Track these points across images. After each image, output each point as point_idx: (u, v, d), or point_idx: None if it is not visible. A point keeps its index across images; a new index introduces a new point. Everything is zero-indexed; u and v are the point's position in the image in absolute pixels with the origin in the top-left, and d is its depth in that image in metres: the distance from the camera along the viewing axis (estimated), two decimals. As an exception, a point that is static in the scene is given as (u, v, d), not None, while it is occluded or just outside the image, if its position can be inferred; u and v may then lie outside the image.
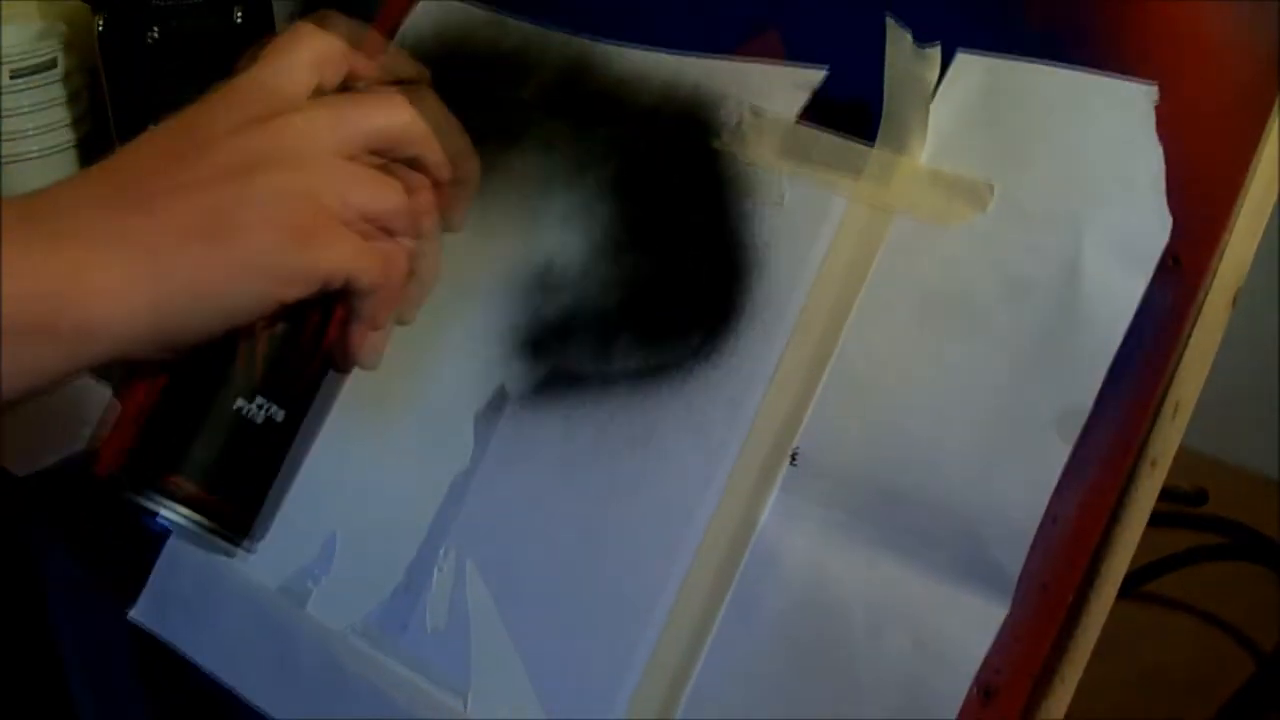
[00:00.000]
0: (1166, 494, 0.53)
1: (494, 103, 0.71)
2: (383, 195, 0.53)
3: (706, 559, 0.58)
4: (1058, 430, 0.52)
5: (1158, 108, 0.53)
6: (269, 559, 0.70)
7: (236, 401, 0.59)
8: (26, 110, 1.06)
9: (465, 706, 0.62)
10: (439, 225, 0.57)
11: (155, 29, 0.97)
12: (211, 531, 0.60)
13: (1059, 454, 0.52)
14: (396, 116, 0.54)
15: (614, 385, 0.62)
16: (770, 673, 0.56)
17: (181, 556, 0.73)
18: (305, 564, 0.68)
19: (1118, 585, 0.52)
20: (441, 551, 0.64)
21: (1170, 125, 0.53)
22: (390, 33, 0.77)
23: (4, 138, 1.06)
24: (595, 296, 0.64)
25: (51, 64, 1.07)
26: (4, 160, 1.07)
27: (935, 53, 0.57)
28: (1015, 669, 0.52)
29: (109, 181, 0.50)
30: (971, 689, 0.52)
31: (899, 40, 0.57)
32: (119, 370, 0.55)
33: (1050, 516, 0.52)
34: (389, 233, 0.54)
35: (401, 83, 0.58)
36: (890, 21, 0.57)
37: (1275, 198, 0.53)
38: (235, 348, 0.58)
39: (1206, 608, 0.74)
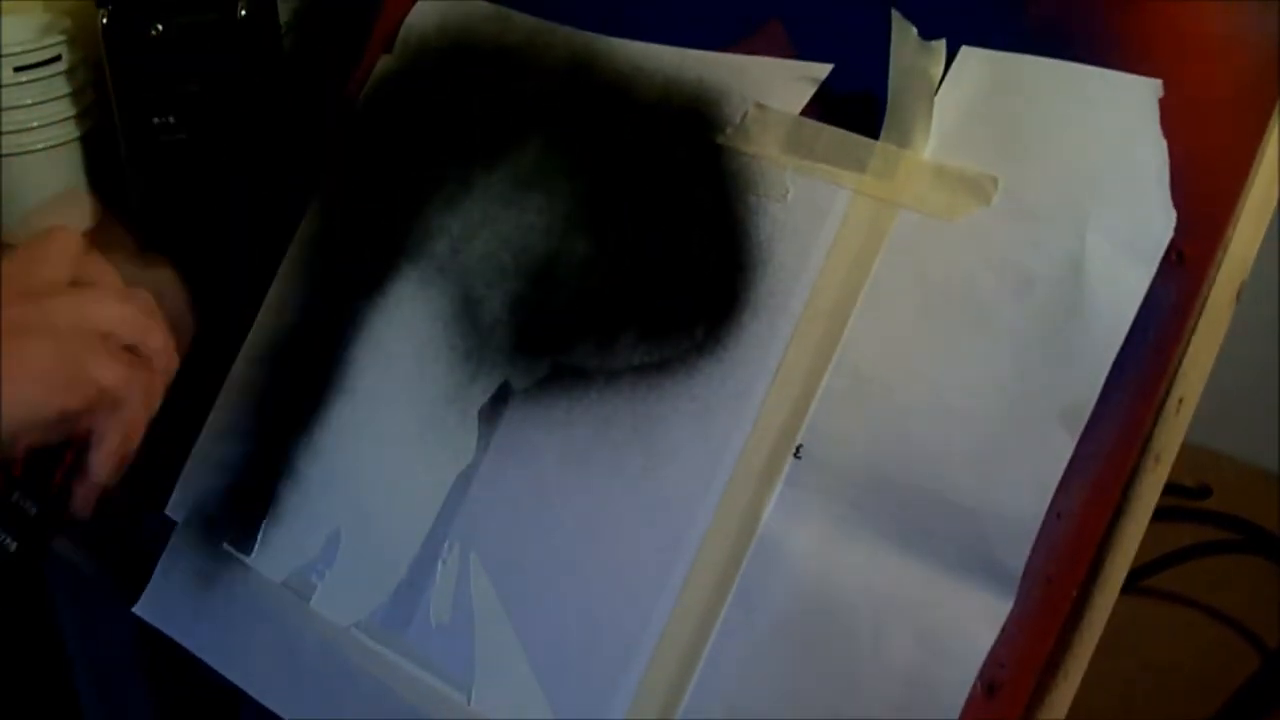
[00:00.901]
0: (1170, 489, 0.53)
1: (497, 98, 0.71)
2: (113, 369, 0.63)
3: (710, 553, 0.58)
4: (1062, 425, 0.52)
5: (1161, 103, 0.53)
6: (273, 555, 0.70)
7: None
8: (30, 104, 1.06)
9: (470, 701, 0.62)
10: (146, 401, 0.66)
11: (159, 24, 0.97)
12: None
13: (1063, 449, 0.52)
14: (122, 314, 0.65)
15: (617, 380, 0.62)
16: (774, 666, 0.56)
17: (185, 551, 0.73)
18: (309, 560, 0.68)
19: (1121, 580, 0.53)
20: (445, 546, 0.64)
21: (1174, 120, 0.53)
22: (394, 28, 0.77)
23: (7, 132, 1.06)
24: (598, 291, 0.64)
25: (55, 58, 1.07)
26: (7, 155, 1.07)
27: (940, 47, 0.57)
28: (1019, 664, 0.52)
29: None
30: (975, 684, 0.52)
31: (904, 34, 0.57)
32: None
33: (1054, 511, 0.52)
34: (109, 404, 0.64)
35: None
36: (895, 16, 0.57)
37: (1278, 193, 0.53)
38: None
39: (1210, 603, 0.74)
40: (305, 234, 0.76)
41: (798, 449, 0.57)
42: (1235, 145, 0.52)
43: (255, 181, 1.00)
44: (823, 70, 0.61)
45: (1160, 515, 0.53)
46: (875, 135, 0.59)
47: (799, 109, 0.61)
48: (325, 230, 0.70)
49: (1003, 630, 0.52)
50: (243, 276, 0.79)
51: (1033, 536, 0.52)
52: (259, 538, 0.70)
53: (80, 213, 0.69)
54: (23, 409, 0.60)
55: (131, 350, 0.65)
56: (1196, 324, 0.52)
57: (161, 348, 0.66)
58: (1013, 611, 0.52)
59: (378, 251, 0.72)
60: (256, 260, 0.78)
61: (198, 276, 1.03)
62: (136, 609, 0.73)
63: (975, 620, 0.52)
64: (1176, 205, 0.52)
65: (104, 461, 0.65)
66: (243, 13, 0.97)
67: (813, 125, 0.61)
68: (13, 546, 0.66)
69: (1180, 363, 0.52)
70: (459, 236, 0.69)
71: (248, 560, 0.70)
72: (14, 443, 0.62)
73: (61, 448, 0.65)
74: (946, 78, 0.58)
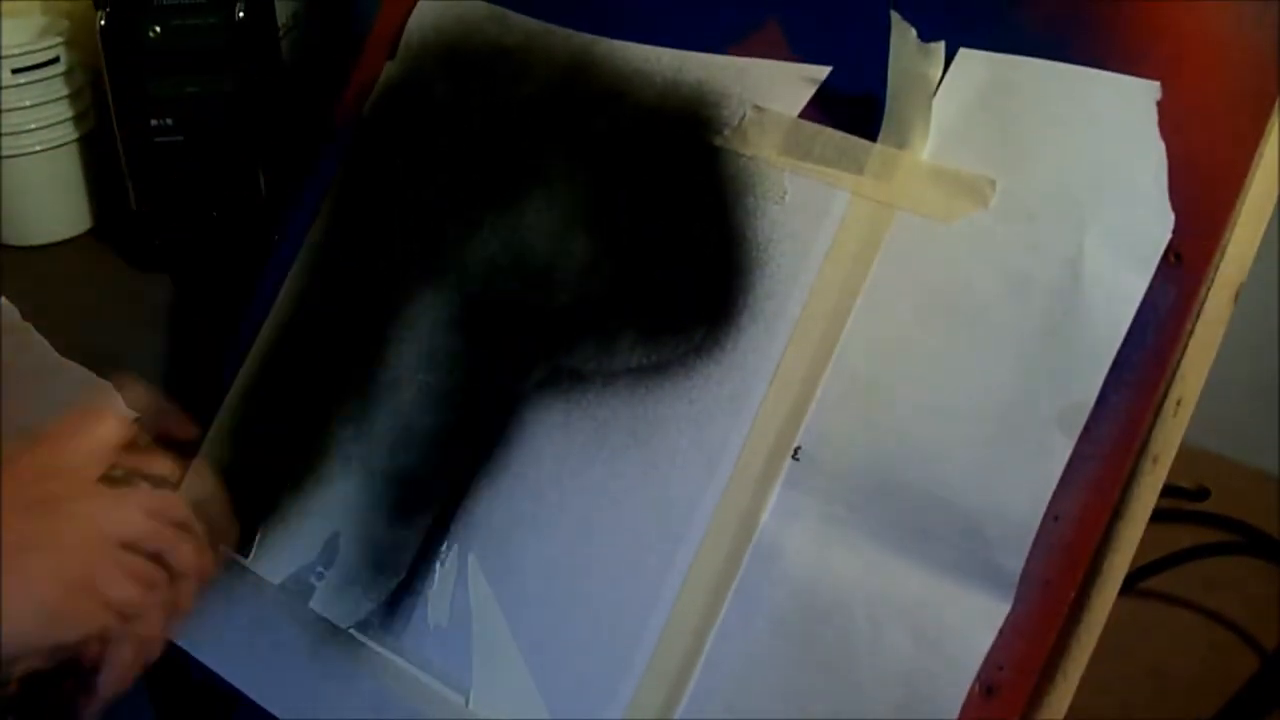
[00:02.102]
0: (1168, 490, 0.53)
1: (496, 101, 0.71)
2: (125, 589, 0.58)
3: (709, 554, 0.58)
4: (1059, 427, 0.52)
5: (1160, 105, 0.53)
6: (271, 557, 0.70)
7: None
8: (28, 106, 1.06)
9: (467, 702, 0.62)
10: (168, 614, 0.62)
11: (157, 26, 0.98)
12: None
13: (1061, 451, 0.52)
14: (145, 524, 0.60)
15: (615, 382, 0.62)
16: (772, 668, 0.56)
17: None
18: (308, 561, 0.68)
19: (1120, 582, 0.52)
20: (444, 548, 0.64)
21: (1172, 122, 0.53)
22: (391, 29, 0.77)
23: (6, 133, 1.06)
24: (597, 293, 0.64)
25: (54, 60, 1.07)
26: (6, 156, 1.07)
27: (939, 49, 0.57)
28: (1017, 666, 0.52)
29: None
30: (973, 686, 0.52)
31: (903, 36, 0.57)
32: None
33: (1052, 513, 0.52)
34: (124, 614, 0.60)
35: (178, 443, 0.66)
36: (895, 17, 0.57)
37: (1276, 195, 0.53)
38: None
39: (1208, 604, 0.74)
40: (312, 240, 0.76)
41: (796, 451, 0.57)
42: (1233, 147, 0.52)
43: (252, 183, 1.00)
44: (821, 72, 0.61)
45: (1158, 517, 0.53)
46: (874, 137, 0.59)
47: (797, 111, 0.61)
48: (331, 238, 0.70)
49: (1001, 632, 0.52)
50: (244, 280, 0.79)
51: (1031, 538, 0.52)
52: (257, 540, 0.70)
53: (128, 398, 0.65)
54: (16, 641, 0.54)
55: (157, 559, 0.60)
56: (1194, 326, 0.52)
57: (192, 561, 0.61)
58: (1011, 613, 0.52)
59: (379, 257, 0.72)
60: (256, 265, 0.78)
61: (197, 279, 1.03)
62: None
63: (973, 622, 0.52)
64: (1174, 207, 0.52)
65: (113, 684, 0.60)
66: (240, 15, 0.97)
67: (811, 127, 0.61)
68: None
69: (1178, 364, 0.52)
70: (458, 239, 0.69)
71: (246, 562, 0.70)
72: (9, 666, 0.57)
73: (61, 670, 0.60)
74: (945, 79, 0.58)
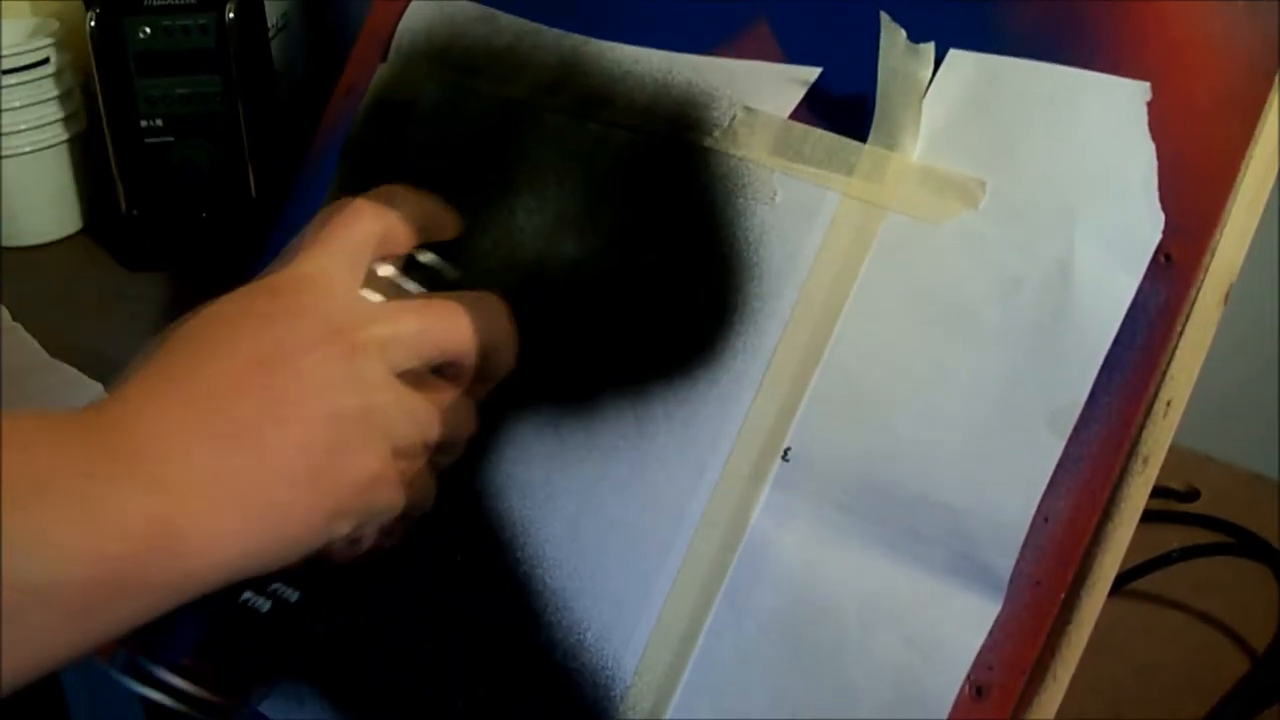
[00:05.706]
0: (1158, 491, 0.53)
1: (485, 101, 0.71)
2: (435, 430, 0.55)
3: (698, 556, 0.58)
4: (1050, 427, 0.52)
5: (1150, 105, 0.53)
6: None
7: (244, 593, 0.57)
8: (19, 107, 1.06)
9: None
10: (468, 430, 0.59)
11: (147, 27, 0.98)
12: (198, 700, 0.58)
13: (1051, 451, 0.52)
14: (453, 336, 0.56)
15: (604, 383, 0.62)
16: (762, 670, 0.56)
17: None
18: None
19: (1110, 583, 0.53)
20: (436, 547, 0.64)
21: (1162, 123, 0.53)
22: (386, 30, 0.77)
23: (-4, 134, 1.06)
24: (587, 293, 0.64)
25: (44, 61, 1.07)
26: (-4, 157, 1.07)
27: (929, 49, 0.57)
28: (1007, 666, 0.52)
29: (196, 407, 0.46)
30: (963, 686, 0.52)
31: (893, 37, 0.57)
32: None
33: (1042, 514, 0.52)
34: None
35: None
36: (884, 18, 0.57)
37: (1267, 195, 0.53)
38: None
39: (1199, 605, 0.74)
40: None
41: (786, 452, 0.57)
42: (1223, 148, 0.52)
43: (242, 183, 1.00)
44: (811, 73, 0.61)
45: (1148, 518, 0.53)
46: (864, 138, 0.59)
47: (788, 112, 0.61)
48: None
49: (991, 632, 0.52)
50: (235, 281, 0.79)
51: (1021, 539, 0.52)
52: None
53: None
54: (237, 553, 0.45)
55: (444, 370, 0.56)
56: (1185, 326, 0.52)
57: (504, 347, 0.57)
58: (1001, 614, 0.52)
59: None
60: (247, 266, 0.78)
61: (188, 280, 1.03)
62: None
63: (963, 622, 0.52)
64: (1165, 208, 0.52)
65: (361, 548, 0.55)
66: (231, 15, 0.97)
67: (801, 128, 0.61)
68: (294, 597, 0.56)
69: (1168, 365, 0.52)
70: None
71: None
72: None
73: None
74: (935, 80, 0.58)
